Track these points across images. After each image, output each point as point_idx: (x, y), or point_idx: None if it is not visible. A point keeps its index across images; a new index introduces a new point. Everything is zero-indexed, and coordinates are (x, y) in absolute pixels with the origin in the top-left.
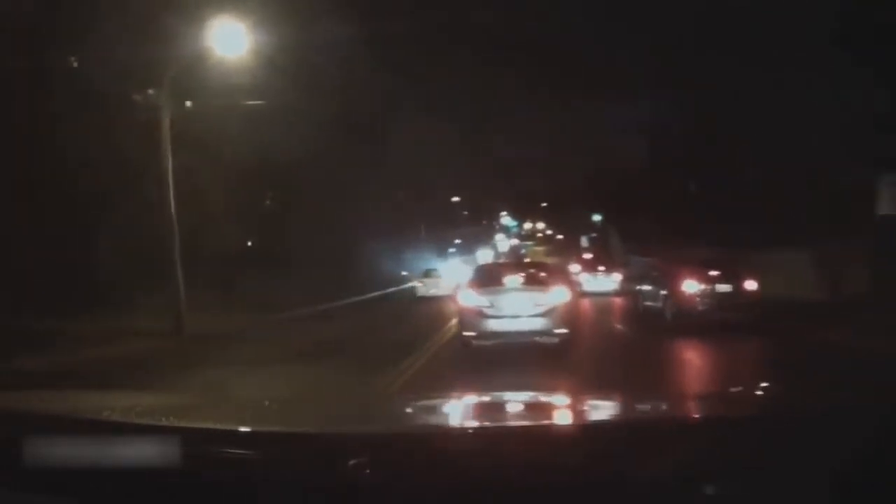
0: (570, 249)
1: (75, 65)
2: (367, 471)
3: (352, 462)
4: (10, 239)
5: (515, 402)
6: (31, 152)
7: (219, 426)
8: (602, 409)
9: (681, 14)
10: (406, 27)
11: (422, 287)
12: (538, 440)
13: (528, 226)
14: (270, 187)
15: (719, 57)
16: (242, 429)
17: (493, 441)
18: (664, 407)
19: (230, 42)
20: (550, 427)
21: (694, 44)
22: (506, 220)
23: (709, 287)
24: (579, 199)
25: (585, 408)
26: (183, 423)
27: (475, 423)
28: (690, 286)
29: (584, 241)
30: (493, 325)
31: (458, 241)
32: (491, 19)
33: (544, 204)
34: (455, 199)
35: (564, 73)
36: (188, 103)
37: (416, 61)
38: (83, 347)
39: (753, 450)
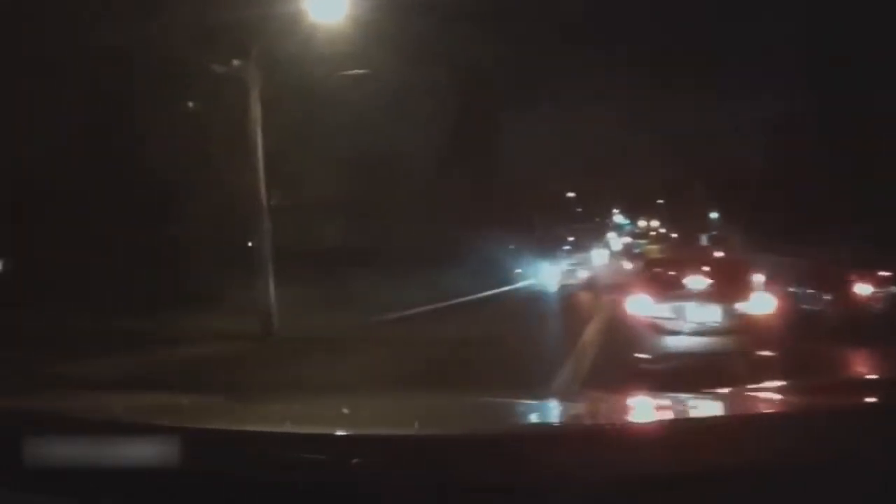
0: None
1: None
2: (368, 471)
3: (352, 462)
4: (90, 235)
5: (519, 404)
6: (105, 139)
7: (219, 426)
8: (616, 411)
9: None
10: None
11: (562, 278)
12: (541, 442)
13: (641, 224)
14: (369, 174)
15: (853, 49)
16: (243, 429)
17: (494, 443)
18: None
19: (325, 6)
20: (551, 429)
21: (828, 36)
22: (618, 217)
23: (882, 289)
24: (697, 197)
25: (596, 410)
26: (183, 423)
27: (478, 425)
28: (863, 289)
29: (703, 240)
30: (677, 343)
31: (571, 238)
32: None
33: (660, 200)
34: (570, 194)
35: (687, 67)
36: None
37: (533, 40)
38: (158, 349)
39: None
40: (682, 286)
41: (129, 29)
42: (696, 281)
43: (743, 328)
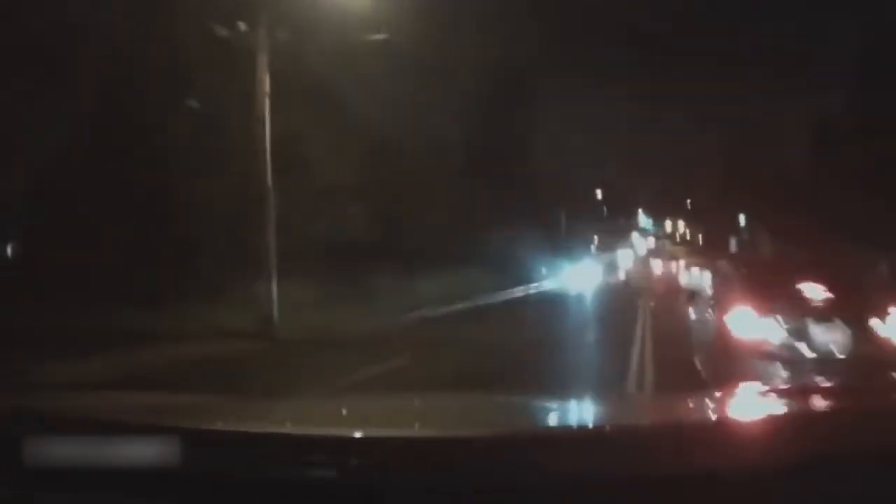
0: (713, 251)
1: None
2: (368, 472)
3: (352, 462)
4: (82, 221)
5: (519, 403)
6: (100, 117)
7: (219, 426)
8: (604, 413)
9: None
10: None
11: (591, 279)
12: (542, 443)
13: (667, 225)
14: (389, 163)
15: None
16: (243, 429)
17: (494, 444)
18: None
19: None
20: (552, 430)
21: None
22: (642, 219)
23: None
24: (725, 199)
25: (598, 410)
26: (183, 423)
27: (478, 426)
28: None
29: (733, 244)
30: (794, 379)
31: (596, 237)
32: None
33: (688, 201)
34: (598, 194)
35: (721, 69)
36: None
37: (566, 36)
38: (145, 350)
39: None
40: (795, 296)
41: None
42: (812, 289)
43: (882, 358)
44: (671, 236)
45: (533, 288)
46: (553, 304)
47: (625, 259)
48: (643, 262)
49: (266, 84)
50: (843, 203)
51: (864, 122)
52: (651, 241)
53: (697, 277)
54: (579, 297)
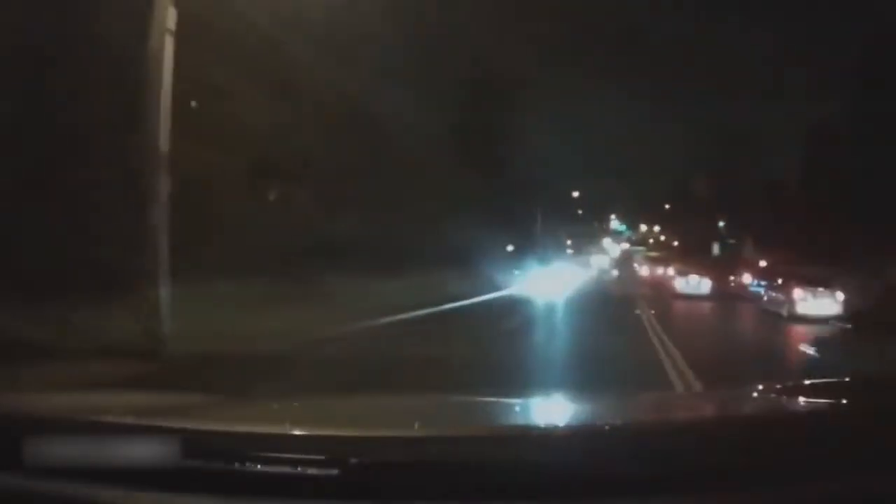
0: (691, 257)
1: None
2: (368, 471)
3: (352, 462)
4: None
5: (518, 403)
6: None
7: (219, 426)
8: (602, 413)
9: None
10: None
11: (569, 283)
12: (541, 442)
13: (642, 229)
14: (352, 142)
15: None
16: (243, 429)
17: (493, 443)
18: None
19: None
20: (552, 430)
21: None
22: (615, 223)
23: None
24: (706, 203)
25: (588, 410)
26: (183, 424)
27: (477, 425)
28: None
29: (715, 249)
30: None
31: (569, 241)
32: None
33: (667, 205)
34: (575, 194)
35: (708, 70)
36: None
37: (550, 34)
38: None
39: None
40: None
41: None
42: None
43: None
44: (645, 241)
45: (504, 293)
46: (527, 318)
47: (600, 263)
48: (621, 265)
49: (169, 18)
50: (836, 208)
51: (861, 127)
52: (626, 245)
53: (696, 285)
54: (559, 307)
